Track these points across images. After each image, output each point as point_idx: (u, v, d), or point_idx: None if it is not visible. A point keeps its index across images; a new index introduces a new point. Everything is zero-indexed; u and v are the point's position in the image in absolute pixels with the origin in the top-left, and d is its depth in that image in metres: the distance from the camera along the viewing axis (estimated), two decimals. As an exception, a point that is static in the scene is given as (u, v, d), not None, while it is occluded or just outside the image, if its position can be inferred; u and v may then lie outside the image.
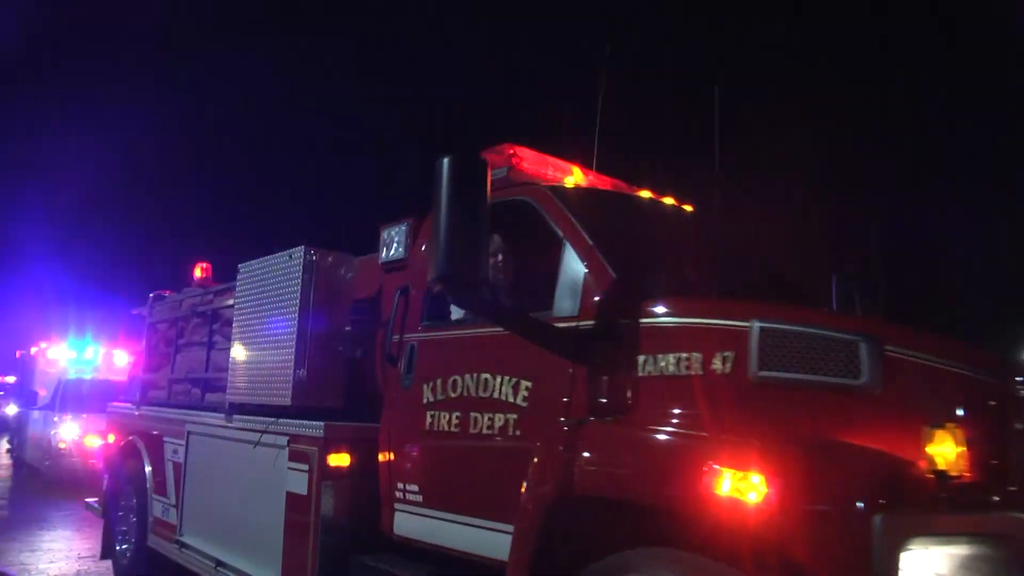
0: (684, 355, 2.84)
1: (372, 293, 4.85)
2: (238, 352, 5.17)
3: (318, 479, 4.19)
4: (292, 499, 4.37)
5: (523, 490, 3.05)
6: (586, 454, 2.84)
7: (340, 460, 4.25)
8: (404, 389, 4.09)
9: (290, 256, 4.77)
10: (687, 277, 3.60)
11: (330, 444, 4.22)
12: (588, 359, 3.08)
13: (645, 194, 4.46)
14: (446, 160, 3.01)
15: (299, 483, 4.33)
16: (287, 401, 4.52)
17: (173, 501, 5.88)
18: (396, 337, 4.23)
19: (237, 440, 5.03)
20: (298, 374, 4.51)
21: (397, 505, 4.02)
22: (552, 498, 2.88)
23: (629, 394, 2.96)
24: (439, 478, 3.82)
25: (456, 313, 3.96)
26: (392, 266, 4.73)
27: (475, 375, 3.67)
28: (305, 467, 4.31)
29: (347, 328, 4.78)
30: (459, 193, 2.99)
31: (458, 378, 3.77)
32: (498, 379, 3.54)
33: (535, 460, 3.03)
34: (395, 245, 4.76)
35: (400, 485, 4.01)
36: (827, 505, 2.18)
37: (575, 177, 4.33)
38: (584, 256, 3.35)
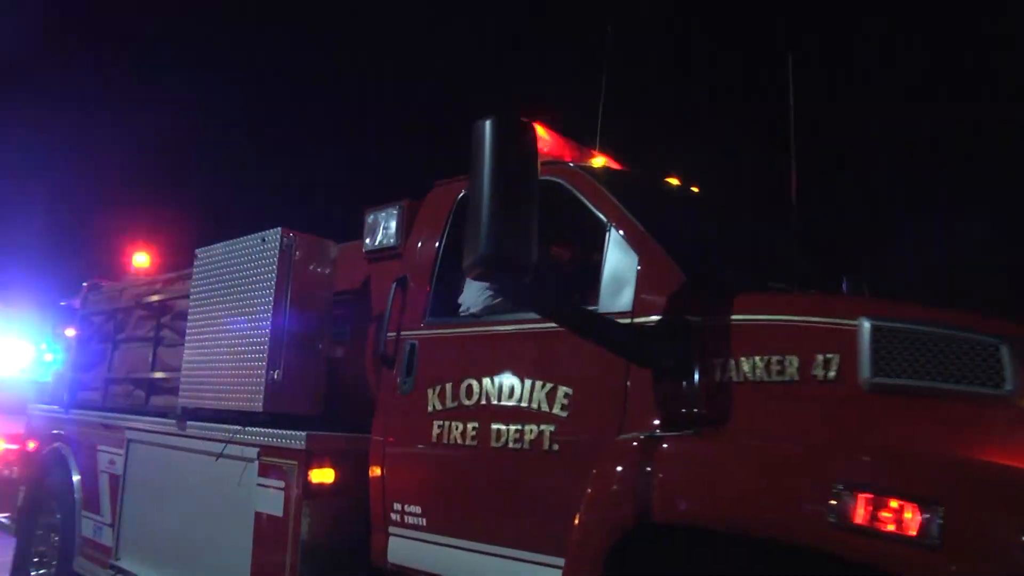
0: (776, 358, 2.42)
1: (355, 285, 4.28)
2: (195, 349, 4.50)
3: (298, 498, 3.59)
4: (263, 521, 3.74)
5: (581, 515, 2.58)
6: (671, 474, 2.38)
7: (324, 476, 3.66)
8: (403, 394, 3.54)
9: (263, 240, 4.15)
10: (746, 269, 3.18)
11: (313, 457, 3.63)
12: (656, 362, 2.62)
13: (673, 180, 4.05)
14: (488, 123, 2.51)
15: (272, 502, 3.71)
16: (258, 407, 3.90)
17: (108, 519, 5.11)
18: (392, 335, 3.68)
19: (192, 451, 4.35)
20: (272, 376, 3.89)
21: (392, 529, 3.47)
22: (623, 525, 2.41)
23: (707, 403, 2.52)
24: (448, 498, 3.30)
25: (472, 305, 3.44)
26: (380, 255, 4.18)
27: (496, 379, 3.17)
28: (280, 484, 3.69)
29: (327, 324, 4.19)
30: (505, 161, 2.49)
31: (473, 382, 3.25)
32: (528, 384, 3.05)
33: (599, 479, 2.56)
34: (384, 231, 4.22)
35: (397, 505, 3.45)
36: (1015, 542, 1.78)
37: (601, 161, 3.89)
38: (636, 244, 2.90)
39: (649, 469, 2.41)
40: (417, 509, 3.37)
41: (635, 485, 2.42)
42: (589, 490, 2.59)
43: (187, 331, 4.62)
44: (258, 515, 3.78)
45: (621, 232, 2.97)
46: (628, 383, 2.77)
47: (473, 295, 3.49)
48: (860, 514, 1.94)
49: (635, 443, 2.52)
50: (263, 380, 3.90)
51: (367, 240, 4.27)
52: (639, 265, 2.85)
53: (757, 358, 2.46)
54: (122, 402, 5.40)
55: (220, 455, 4.03)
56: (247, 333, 4.08)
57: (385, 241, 4.18)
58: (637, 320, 2.77)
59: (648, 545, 2.39)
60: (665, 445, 2.44)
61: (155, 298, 5.30)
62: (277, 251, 4.03)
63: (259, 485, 3.82)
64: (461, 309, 3.56)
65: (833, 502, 1.99)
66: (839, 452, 2.13)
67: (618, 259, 2.94)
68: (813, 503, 2.03)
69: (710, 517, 2.26)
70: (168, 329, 5.09)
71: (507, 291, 2.62)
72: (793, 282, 3.09)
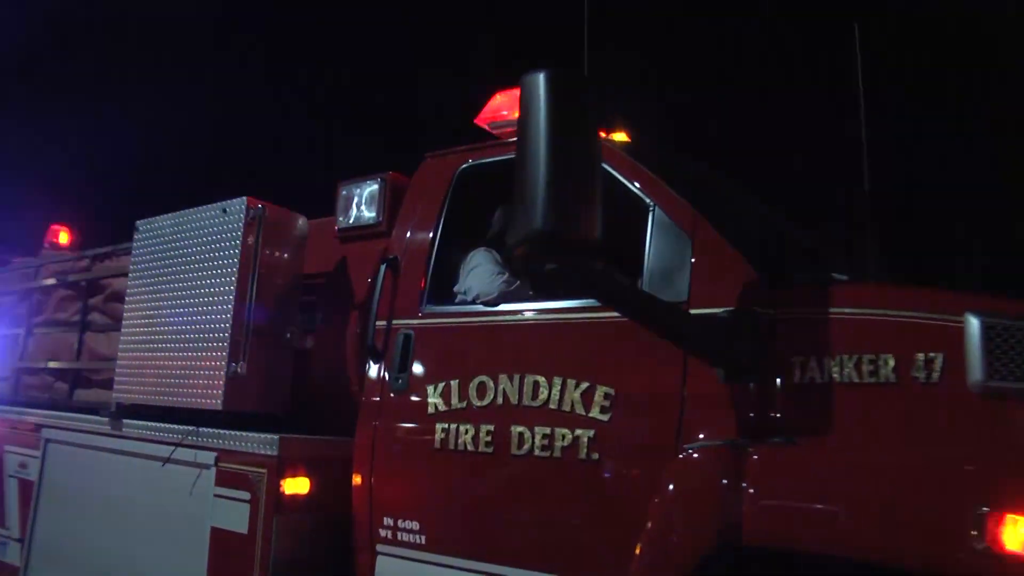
0: (868, 357, 2.11)
1: (325, 267, 3.77)
2: (135, 336, 3.87)
3: (267, 512, 3.06)
4: (223, 538, 3.18)
5: (650, 535, 2.22)
6: (767, 489, 2.03)
7: (298, 486, 3.14)
8: (396, 393, 3.08)
9: (224, 211, 3.58)
10: (802, 257, 2.88)
11: (286, 465, 3.10)
12: (731, 360, 2.28)
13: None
14: (542, 77, 2.09)
15: (234, 517, 3.17)
16: (216, 404, 3.34)
17: (16, 534, 4.38)
18: (381, 324, 3.20)
19: (130, 454, 3.72)
20: (234, 369, 3.34)
21: (381, 547, 3.00)
22: (703, 548, 2.05)
23: (790, 408, 2.19)
24: (455, 512, 2.86)
25: (482, 292, 3.01)
26: (357, 233, 3.70)
27: (517, 377, 2.76)
28: (245, 495, 3.15)
29: (296, 311, 3.66)
30: (562, 122, 2.08)
31: (487, 380, 2.83)
32: (558, 382, 2.65)
33: (670, 493, 2.20)
34: (361, 208, 3.73)
35: (388, 520, 2.99)
36: None
37: (622, 138, 3.52)
38: (688, 227, 2.55)
39: (736, 483, 2.05)
40: (414, 524, 2.91)
41: (718, 501, 2.07)
42: (657, 505, 2.22)
43: (125, 315, 3.98)
44: (215, 532, 3.22)
45: (668, 213, 2.61)
46: (685, 382, 2.43)
47: (482, 280, 3.06)
48: (1014, 540, 1.64)
49: (714, 452, 2.17)
50: (223, 373, 3.34)
51: (340, 217, 3.78)
52: (694, 250, 2.50)
53: (846, 357, 2.15)
54: (38, 396, 4.66)
55: (167, 460, 3.44)
56: (203, 319, 3.51)
57: (364, 218, 3.70)
58: (694, 312, 2.43)
59: (730, 571, 2.04)
60: (755, 455, 2.10)
61: (83, 276, 4.59)
62: (242, 224, 3.47)
63: (217, 496, 3.26)
64: (463, 296, 3.13)
65: (977, 526, 1.69)
66: (977, 467, 1.84)
67: (665, 244, 2.58)
68: (954, 527, 1.72)
69: (817, 540, 1.93)
70: (99, 312, 4.41)
71: (569, 275, 2.17)
72: (856, 274, 2.81)
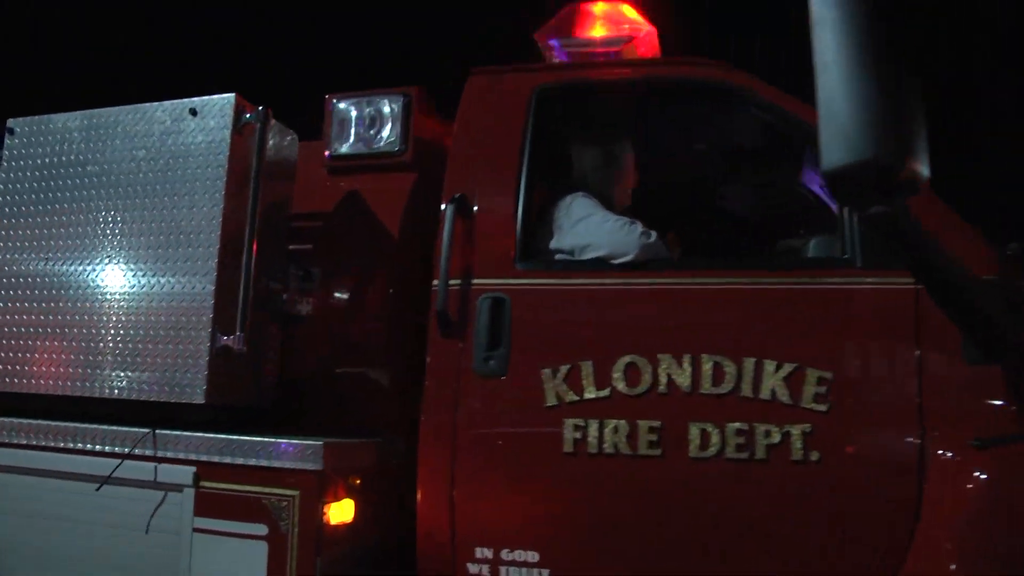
0: None
1: (319, 206, 2.80)
2: (13, 294, 2.57)
3: (303, 553, 2.09)
4: (217, 597, 2.15)
5: (927, 560, 1.70)
6: None
7: (343, 513, 2.21)
8: (486, 377, 2.26)
9: (193, 111, 2.44)
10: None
11: (328, 483, 2.15)
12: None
13: None
14: None
15: (234, 563, 2.14)
16: (196, 396, 2.26)
17: None
18: (455, 283, 2.34)
19: (18, 471, 2.44)
20: (223, 345, 2.28)
21: (472, 588, 2.19)
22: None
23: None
24: (602, 537, 2.14)
25: (618, 248, 2.28)
26: (362, 163, 2.79)
27: (687, 357, 2.11)
28: (258, 529, 2.14)
29: (287, 265, 2.65)
30: (879, 23, 1.49)
31: (639, 361, 2.14)
32: (750, 365, 2.06)
33: (975, 505, 1.70)
34: (372, 131, 2.80)
35: (483, 552, 2.19)
36: None
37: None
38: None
39: None
40: (531, 556, 2.14)
41: None
42: (938, 519, 1.73)
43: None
44: (198, 586, 2.17)
45: None
46: (921, 363, 1.98)
47: (606, 233, 2.33)
48: None
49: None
50: (204, 352, 2.27)
51: (336, 143, 2.80)
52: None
53: None
54: None
55: (107, 480, 2.27)
56: (162, 272, 2.37)
57: (380, 145, 2.77)
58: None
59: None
60: None
61: None
62: (228, 134, 2.38)
63: (199, 532, 2.20)
64: (565, 255, 2.39)
65: None
66: None
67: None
68: None
69: None
70: None
71: (891, 221, 1.58)
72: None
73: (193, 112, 2.44)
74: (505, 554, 2.17)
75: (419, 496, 2.26)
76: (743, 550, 2.07)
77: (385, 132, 2.76)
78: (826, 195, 2.14)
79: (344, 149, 2.80)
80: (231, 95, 2.41)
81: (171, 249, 2.38)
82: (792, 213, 2.58)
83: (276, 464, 2.14)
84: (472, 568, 2.18)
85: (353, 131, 2.81)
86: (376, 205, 2.70)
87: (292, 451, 2.12)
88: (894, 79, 1.45)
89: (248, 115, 2.39)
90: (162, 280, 2.36)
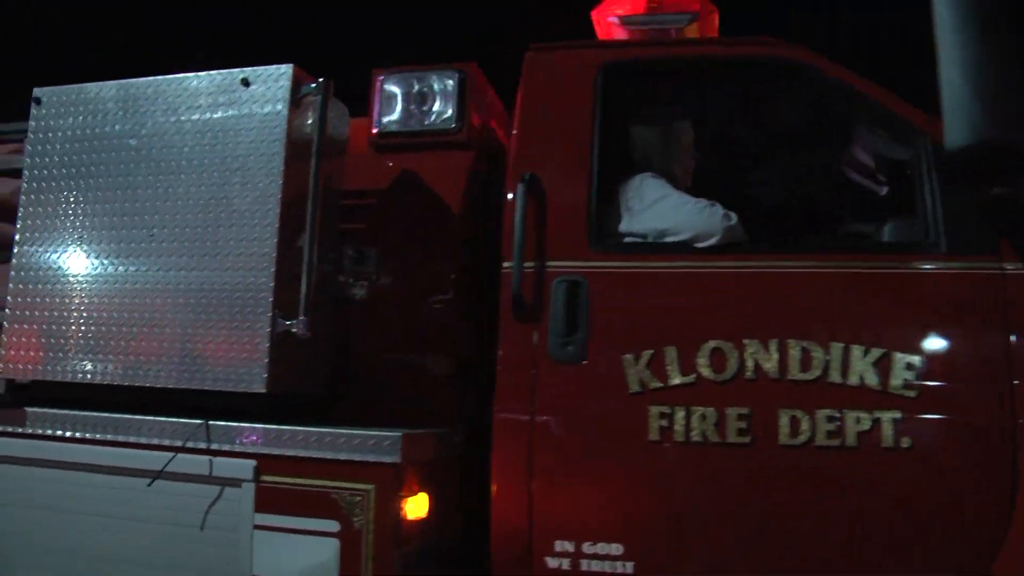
0: None
1: (369, 183, 2.67)
2: (41, 272, 2.39)
3: (381, 550, 1.97)
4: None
5: None
6: None
7: (419, 507, 2.09)
8: (565, 362, 2.16)
9: (246, 82, 2.29)
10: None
11: (404, 475, 2.03)
12: None
13: None
14: None
15: (300, 560, 2.01)
16: (256, 384, 2.12)
17: None
18: (529, 266, 2.24)
19: (62, 465, 2.27)
20: (284, 329, 2.14)
21: (550, 586, 2.09)
22: None
23: None
24: (689, 528, 2.06)
25: (701, 230, 2.20)
26: (413, 141, 2.67)
27: (774, 342, 2.05)
28: (329, 525, 2.01)
29: (340, 244, 2.52)
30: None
31: (725, 346, 2.06)
32: (837, 350, 2.00)
33: None
34: (425, 108, 2.68)
35: (563, 546, 2.09)
36: None
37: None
38: None
39: None
40: (614, 549, 2.05)
41: None
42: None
43: (18, 240, 2.46)
44: (263, 585, 2.04)
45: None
46: (1010, 346, 1.95)
47: (684, 215, 2.25)
48: None
49: None
50: (265, 337, 2.13)
51: (384, 120, 2.68)
52: None
53: None
54: None
55: (160, 474, 2.11)
56: (213, 255, 2.22)
57: (435, 122, 2.65)
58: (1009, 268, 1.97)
59: None
60: None
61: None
62: (285, 107, 2.24)
63: (260, 528, 2.06)
64: (636, 237, 2.30)
65: None
66: None
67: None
68: None
69: None
70: None
71: (1014, 202, 1.53)
72: None
73: (245, 83, 2.29)
74: (587, 547, 2.07)
75: (494, 489, 2.15)
76: (831, 540, 2.01)
77: (439, 109, 2.65)
78: (939, 177, 2.08)
79: (393, 126, 2.68)
80: (288, 66, 2.27)
81: (223, 228, 2.23)
82: (859, 196, 2.53)
83: (348, 457, 2.02)
84: (552, 562, 2.09)
85: (402, 108, 2.69)
86: (432, 184, 2.59)
87: (368, 443, 2.00)
88: (1019, 57, 1.39)
89: (309, 85, 2.25)
90: (214, 261, 2.21)
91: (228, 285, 2.18)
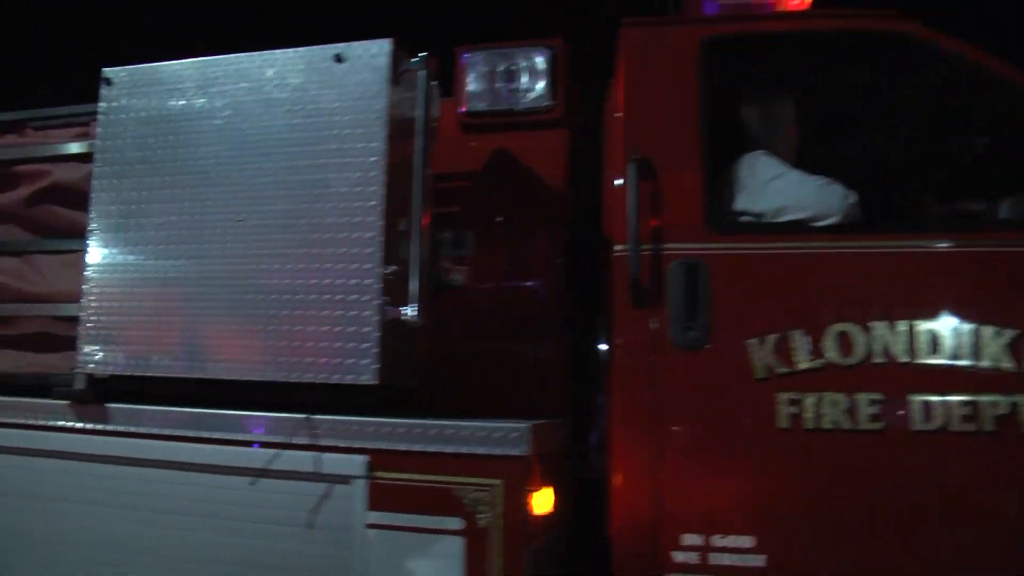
0: None
1: (460, 165, 2.57)
2: (122, 262, 2.26)
3: (510, 549, 1.87)
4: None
5: None
6: None
7: (545, 502, 1.99)
8: (687, 348, 2.07)
9: (339, 58, 2.16)
10: None
11: (533, 469, 1.93)
12: None
13: None
14: None
15: (426, 562, 1.91)
16: (366, 375, 2.01)
17: None
18: (646, 249, 2.14)
19: (158, 464, 2.14)
20: (394, 318, 2.03)
21: (677, 578, 2.01)
22: None
23: None
24: (822, 517, 1.98)
25: (821, 210, 2.11)
26: (504, 120, 2.57)
27: (902, 324, 1.97)
28: (454, 523, 1.90)
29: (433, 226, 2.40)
30: None
31: (852, 329, 1.99)
32: (967, 332, 1.97)
33: None
34: (504, 86, 2.57)
35: (691, 539, 2.01)
36: None
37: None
38: None
39: None
40: (745, 541, 1.97)
41: None
42: None
43: (92, 227, 2.32)
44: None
45: None
46: None
47: (803, 194, 2.16)
48: None
49: None
50: (374, 327, 2.01)
51: (473, 100, 2.59)
52: None
53: None
54: None
55: (263, 472, 1.99)
56: (312, 242, 2.10)
57: (529, 101, 2.54)
58: None
59: None
60: None
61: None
62: (386, 83, 2.11)
63: (372, 527, 1.95)
64: (752, 218, 2.21)
65: None
66: None
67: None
68: None
69: None
70: (18, 224, 2.57)
71: None
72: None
73: (339, 59, 2.16)
74: (716, 540, 1.99)
75: (615, 481, 2.06)
76: (968, 529, 1.94)
77: (532, 87, 2.54)
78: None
79: (482, 105, 2.57)
80: (386, 40, 2.14)
81: (320, 212, 2.10)
82: (976, 173, 2.46)
83: (472, 450, 1.91)
84: (679, 556, 2.00)
85: (490, 87, 2.58)
86: (529, 164, 2.48)
87: (494, 435, 1.89)
88: None
89: (412, 60, 2.13)
90: (313, 247, 2.09)
91: (331, 272, 2.06)
